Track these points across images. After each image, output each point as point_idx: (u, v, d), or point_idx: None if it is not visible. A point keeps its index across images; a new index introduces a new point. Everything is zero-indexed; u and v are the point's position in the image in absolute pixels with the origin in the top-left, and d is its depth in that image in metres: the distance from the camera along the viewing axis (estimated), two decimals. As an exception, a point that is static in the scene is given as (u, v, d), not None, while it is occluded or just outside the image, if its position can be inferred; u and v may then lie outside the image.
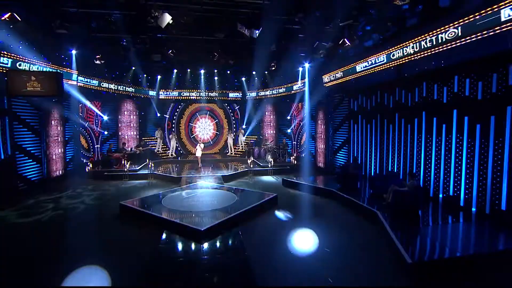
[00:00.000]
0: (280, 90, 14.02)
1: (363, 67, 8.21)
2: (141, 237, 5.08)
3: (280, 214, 6.27)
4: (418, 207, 5.68)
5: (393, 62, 7.10)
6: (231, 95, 15.44)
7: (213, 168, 11.47)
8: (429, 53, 6.07)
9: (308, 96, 11.39)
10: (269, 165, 10.79)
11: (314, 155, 12.25)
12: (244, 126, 15.20)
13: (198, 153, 11.66)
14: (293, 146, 14.00)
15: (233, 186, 8.36)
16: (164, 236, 5.04)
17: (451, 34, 5.51)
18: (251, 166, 10.86)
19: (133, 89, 13.30)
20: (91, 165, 10.58)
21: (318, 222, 5.74)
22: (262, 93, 14.82)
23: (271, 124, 15.26)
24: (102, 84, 11.47)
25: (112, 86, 12.03)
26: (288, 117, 14.63)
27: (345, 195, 6.98)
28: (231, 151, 14.48)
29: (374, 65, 7.64)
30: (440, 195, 6.51)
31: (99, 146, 12.27)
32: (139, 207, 6.21)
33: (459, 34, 5.40)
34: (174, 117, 15.23)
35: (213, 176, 9.80)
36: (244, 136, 15.06)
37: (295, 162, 11.65)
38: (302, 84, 12.12)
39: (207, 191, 7.72)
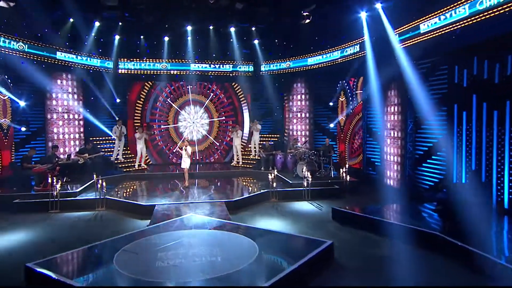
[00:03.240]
0: (318, 59, 13.92)
1: (487, 5, 7.52)
2: None
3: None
4: None
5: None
6: (236, 68, 15.60)
7: (210, 188, 11.49)
8: None
9: (371, 66, 10.99)
10: (304, 183, 10.25)
11: (377, 165, 12.23)
12: (260, 122, 15.11)
13: (185, 162, 11.34)
14: (340, 152, 14.01)
15: (248, 224, 7.85)
16: None
17: None
18: (274, 184, 10.24)
19: (73, 57, 13.12)
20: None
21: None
22: (286, 65, 14.93)
23: (303, 116, 15.33)
24: (13, 45, 10.99)
25: (34, 50, 11.68)
26: (331, 104, 14.55)
27: (469, 247, 5.97)
28: (238, 159, 14.48)
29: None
30: None
31: (12, 151, 11.91)
32: (61, 275, 5.25)
33: None
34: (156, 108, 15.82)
35: (211, 202, 9.44)
36: (258, 135, 14.98)
37: (346, 177, 11.12)
38: (357, 47, 12.02)
39: (202, 234, 7.00)
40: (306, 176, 10.26)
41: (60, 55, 12.64)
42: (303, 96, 15.31)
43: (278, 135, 15.96)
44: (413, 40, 9.53)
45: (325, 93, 14.78)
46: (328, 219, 8.55)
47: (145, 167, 14.19)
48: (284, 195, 10.40)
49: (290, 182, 11.18)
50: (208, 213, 8.55)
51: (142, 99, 15.64)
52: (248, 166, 14.43)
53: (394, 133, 11.10)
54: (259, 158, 14.30)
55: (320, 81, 14.57)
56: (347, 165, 11.86)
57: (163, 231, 7.10)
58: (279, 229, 7.66)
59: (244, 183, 12.51)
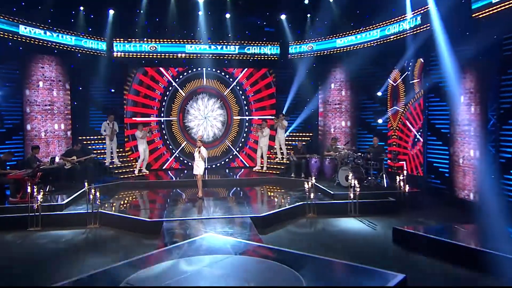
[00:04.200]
0: (362, 38, 14.04)
1: None
2: None
3: None
4: None
5: None
6: (258, 50, 15.85)
7: (230, 200, 11.75)
8: None
9: (442, 42, 10.82)
10: (350, 194, 10.29)
11: (443, 173, 12.05)
12: (286, 117, 15.31)
13: (198, 167, 11.52)
14: (394, 154, 13.74)
15: (284, 247, 7.55)
16: None
17: None
18: (310, 195, 10.23)
19: (58, 36, 13.27)
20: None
21: None
22: (321, 46, 15.15)
23: (343, 109, 15.34)
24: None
25: (8, 27, 11.90)
26: (379, 93, 14.46)
27: None
28: (263, 163, 14.78)
29: None
30: None
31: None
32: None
33: None
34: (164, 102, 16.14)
35: (234, 218, 9.45)
36: (285, 132, 15.19)
37: (405, 187, 11.00)
38: (417, 19, 11.95)
39: (227, 261, 6.75)
40: (352, 185, 10.19)
41: (39, 33, 12.80)
42: (342, 85, 15.23)
43: (310, 134, 16.05)
44: (500, 6, 9.08)
45: (372, 81, 14.78)
46: (387, 242, 8.36)
47: (147, 172, 14.41)
48: (324, 209, 10.40)
49: (332, 193, 11.19)
50: (232, 232, 8.53)
51: (144, 89, 15.75)
52: (274, 172, 14.59)
53: (468, 131, 10.85)
54: (287, 162, 14.45)
55: (364, 66, 14.40)
56: (404, 172, 11.60)
57: (175, 256, 6.87)
58: (324, 254, 7.40)
59: (271, 194, 12.68)
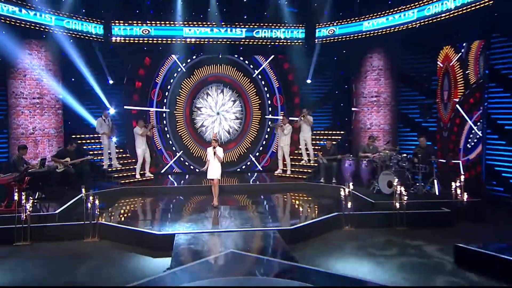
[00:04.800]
0: (405, 17, 13.87)
1: None
2: None
3: None
4: None
5: None
6: (276, 34, 15.89)
7: (251, 209, 11.67)
8: None
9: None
10: (396, 204, 10.17)
11: (507, 178, 12.04)
12: (310, 112, 15.12)
13: (213, 170, 11.39)
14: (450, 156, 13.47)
15: (322, 267, 7.54)
16: None
17: None
18: (347, 204, 10.21)
19: (44, 17, 13.29)
20: None
21: None
22: (352, 28, 15.18)
23: (381, 103, 15.16)
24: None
25: None
26: (427, 85, 14.34)
27: None
28: (286, 166, 14.74)
29: None
30: None
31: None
32: None
33: None
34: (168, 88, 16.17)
35: (258, 231, 9.46)
36: (309, 130, 15.03)
37: (463, 196, 10.91)
38: None
39: (248, 283, 6.64)
40: (397, 192, 10.05)
41: (27, 14, 12.83)
42: (380, 74, 14.95)
43: (341, 131, 15.79)
44: None
45: (417, 69, 14.66)
46: (446, 263, 8.06)
47: (151, 176, 14.26)
48: (364, 221, 10.28)
49: (373, 201, 11.06)
50: (257, 248, 8.51)
51: (145, 79, 15.71)
52: (299, 176, 14.53)
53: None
54: (315, 165, 14.51)
55: (407, 52, 14.51)
56: (462, 177, 11.31)
57: (193, 278, 6.78)
58: (373, 276, 7.32)
59: (298, 202, 12.64)
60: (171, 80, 15.64)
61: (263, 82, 16.25)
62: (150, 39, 15.16)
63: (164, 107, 15.63)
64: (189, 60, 15.68)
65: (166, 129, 15.66)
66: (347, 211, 10.00)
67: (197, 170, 15.03)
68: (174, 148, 15.65)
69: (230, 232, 9.31)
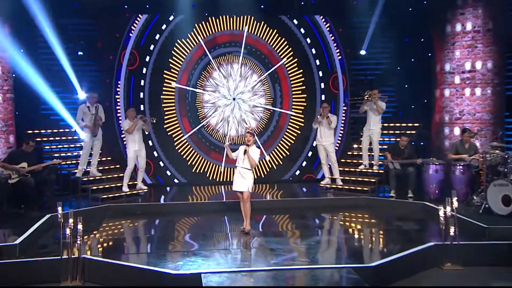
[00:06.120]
0: None
1: None
2: None
3: None
4: None
5: None
6: None
7: (298, 237, 10.20)
8: None
9: None
10: None
11: None
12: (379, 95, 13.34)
13: (242, 181, 9.70)
14: None
15: None
16: None
17: None
18: (451, 231, 8.67)
19: None
20: None
21: None
22: None
23: (480, 82, 12.82)
24: None
25: None
26: None
27: None
28: (334, 175, 12.96)
29: None
30: None
31: None
32: None
33: None
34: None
35: (320, 269, 8.02)
36: (379, 121, 12.97)
37: None
38: None
39: None
40: None
41: None
42: (478, 40, 12.41)
43: (415, 124, 13.49)
44: None
45: None
46: None
47: (145, 189, 12.40)
48: (474, 256, 8.54)
49: (484, 226, 9.04)
50: None
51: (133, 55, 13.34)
52: (358, 188, 12.37)
53: None
54: (382, 172, 12.39)
55: None
56: None
57: None
58: None
59: (363, 226, 10.74)
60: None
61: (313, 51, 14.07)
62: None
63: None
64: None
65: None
66: (450, 241, 8.02)
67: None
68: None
69: (281, 271, 7.36)
